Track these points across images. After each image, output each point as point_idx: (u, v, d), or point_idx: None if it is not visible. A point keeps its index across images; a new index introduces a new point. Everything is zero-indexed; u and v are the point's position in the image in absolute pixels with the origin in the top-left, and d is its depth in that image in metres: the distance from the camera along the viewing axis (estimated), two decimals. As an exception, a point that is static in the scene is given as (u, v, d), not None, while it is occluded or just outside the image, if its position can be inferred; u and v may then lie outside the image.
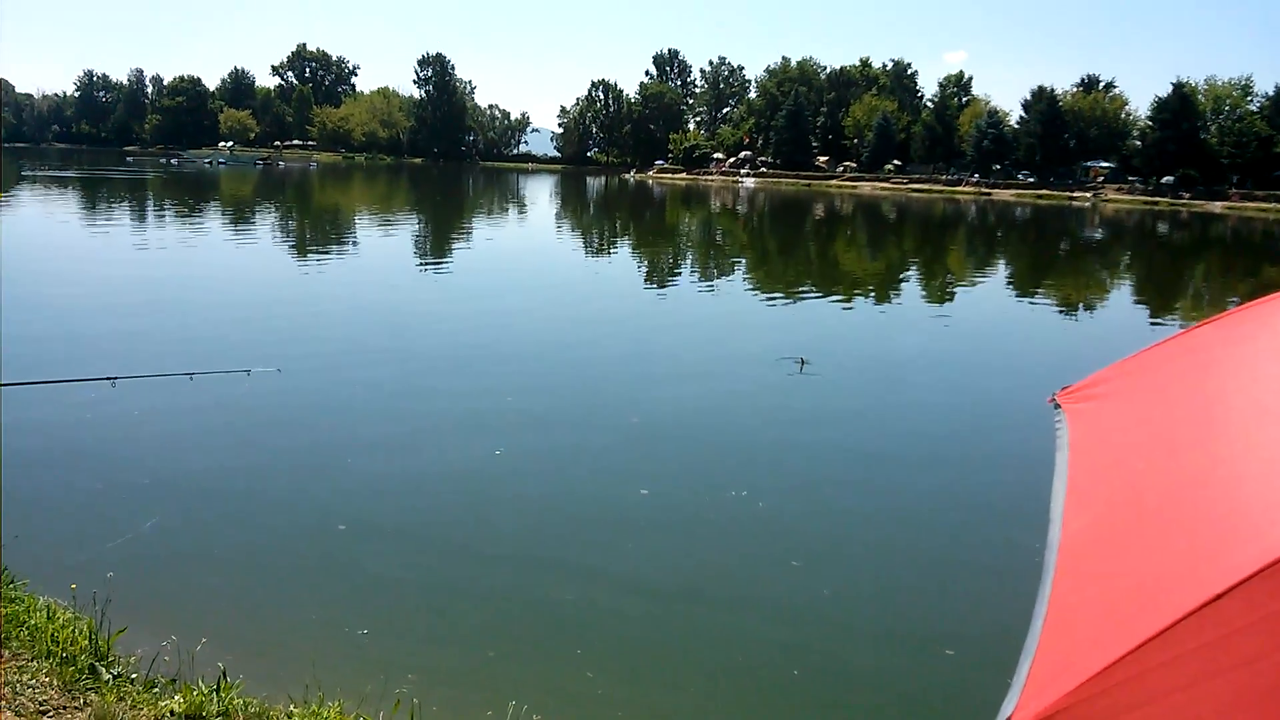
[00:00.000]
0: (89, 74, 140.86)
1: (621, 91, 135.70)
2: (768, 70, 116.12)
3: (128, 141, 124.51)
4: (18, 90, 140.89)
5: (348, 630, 5.58)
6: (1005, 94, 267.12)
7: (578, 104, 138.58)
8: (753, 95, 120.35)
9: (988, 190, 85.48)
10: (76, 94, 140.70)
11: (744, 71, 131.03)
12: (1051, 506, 1.93)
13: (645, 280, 24.46)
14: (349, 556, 6.65)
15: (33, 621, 4.72)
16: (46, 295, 16.13)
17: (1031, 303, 23.09)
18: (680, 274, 26.16)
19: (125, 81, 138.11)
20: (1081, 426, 2.16)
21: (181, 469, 8.17)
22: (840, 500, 8.29)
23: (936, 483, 8.78)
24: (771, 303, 20.70)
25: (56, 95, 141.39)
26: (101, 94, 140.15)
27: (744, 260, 31.28)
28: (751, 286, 24.04)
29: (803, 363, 12.43)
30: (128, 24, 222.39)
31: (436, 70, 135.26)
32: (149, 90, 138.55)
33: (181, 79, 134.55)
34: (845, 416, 11.01)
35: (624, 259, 29.89)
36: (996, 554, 7.10)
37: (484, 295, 19.29)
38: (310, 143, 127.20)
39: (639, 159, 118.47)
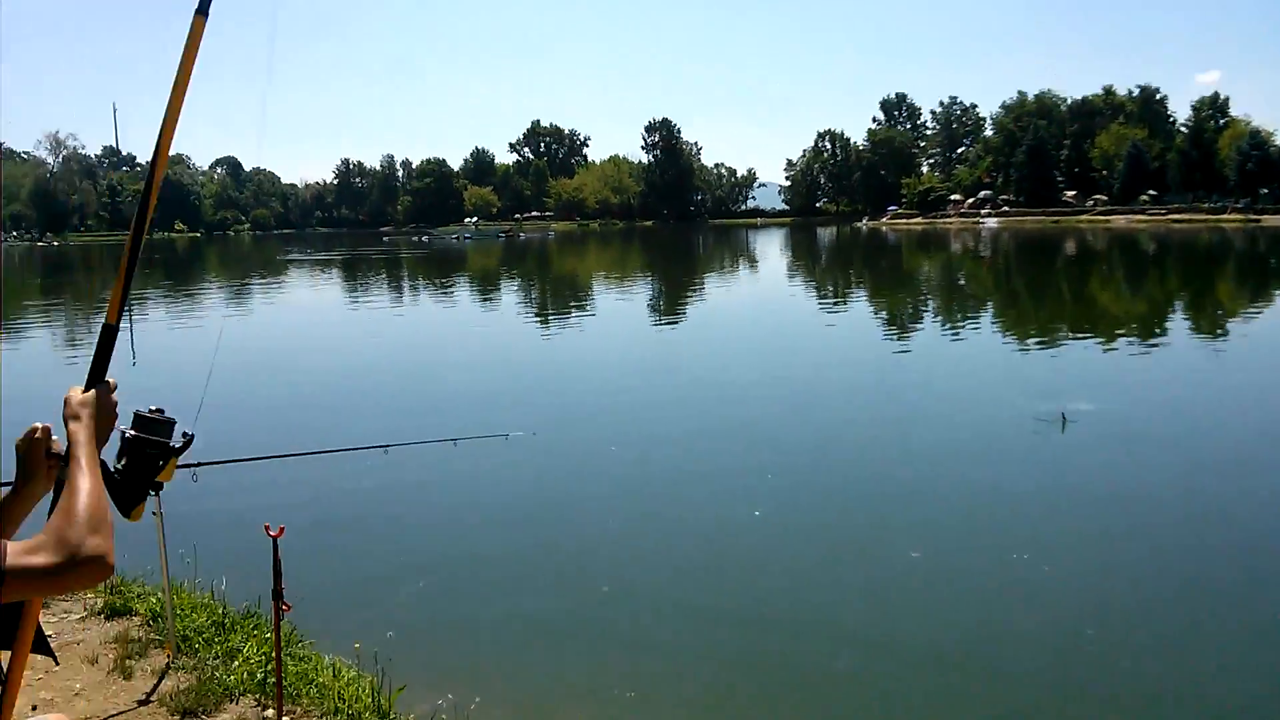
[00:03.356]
0: (346, 162, 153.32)
1: (849, 139, 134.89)
2: (1003, 106, 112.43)
3: (383, 222, 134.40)
4: (283, 181, 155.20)
5: (616, 693, 5.62)
6: (1269, 113, 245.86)
7: (804, 155, 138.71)
8: (989, 132, 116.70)
9: (1256, 217, 78.42)
10: (335, 182, 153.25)
11: (977, 109, 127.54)
12: None
13: (885, 330, 23.91)
14: (613, 618, 6.75)
15: (320, 679, 5.02)
16: (321, 368, 17.48)
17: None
18: (922, 322, 25.40)
19: (378, 167, 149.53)
20: None
21: (451, 531, 8.60)
22: (1133, 562, 7.68)
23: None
24: (1024, 349, 19.71)
25: (318, 184, 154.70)
26: (358, 180, 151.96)
27: (990, 304, 30.05)
28: (1001, 332, 23.03)
29: (1064, 420, 11.60)
30: (378, 116, 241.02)
31: (663, 134, 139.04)
32: (399, 174, 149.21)
33: (429, 161, 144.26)
34: (1121, 473, 10.18)
35: (861, 308, 29.35)
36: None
37: (722, 352, 19.38)
38: (547, 213, 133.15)
39: (870, 206, 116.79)
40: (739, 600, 7.06)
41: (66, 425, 1.92)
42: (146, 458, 2.10)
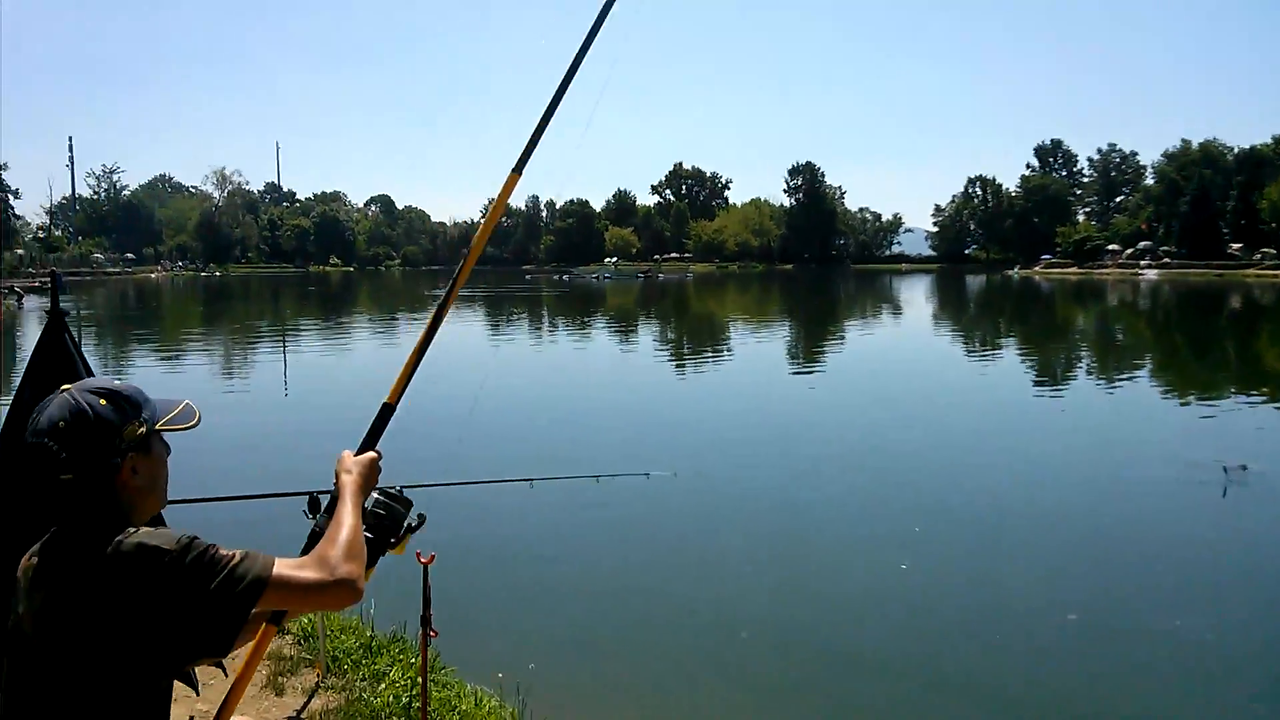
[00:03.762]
0: (491, 201, 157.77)
1: (1000, 185, 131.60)
2: (1165, 154, 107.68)
3: (525, 260, 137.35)
4: (432, 219, 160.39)
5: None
6: None
7: (953, 201, 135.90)
8: (1149, 181, 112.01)
9: None
10: (482, 219, 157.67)
11: (1137, 157, 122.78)
12: None
13: (1038, 381, 23.05)
14: (752, 664, 6.62)
15: (463, 707, 5.06)
16: (467, 400, 17.88)
17: None
18: (1075, 375, 24.40)
19: (523, 207, 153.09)
20: None
21: (594, 567, 8.62)
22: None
23: None
24: (1185, 405, 18.72)
25: (466, 222, 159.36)
26: (504, 220, 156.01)
27: (1150, 359, 28.69)
28: (1161, 387, 21.94)
29: (1228, 477, 10.93)
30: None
31: (806, 178, 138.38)
32: (543, 214, 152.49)
33: (572, 202, 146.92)
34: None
35: (1011, 359, 28.33)
36: None
37: (865, 398, 19.03)
38: (686, 254, 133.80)
39: (1022, 254, 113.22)
40: (881, 653, 6.83)
41: (339, 477, 2.25)
42: (384, 529, 2.35)
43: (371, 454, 2.32)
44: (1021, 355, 29.44)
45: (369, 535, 2.27)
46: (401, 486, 2.44)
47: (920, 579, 8.27)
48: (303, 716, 4.76)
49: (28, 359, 3.21)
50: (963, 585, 8.21)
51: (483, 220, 2.67)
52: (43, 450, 1.85)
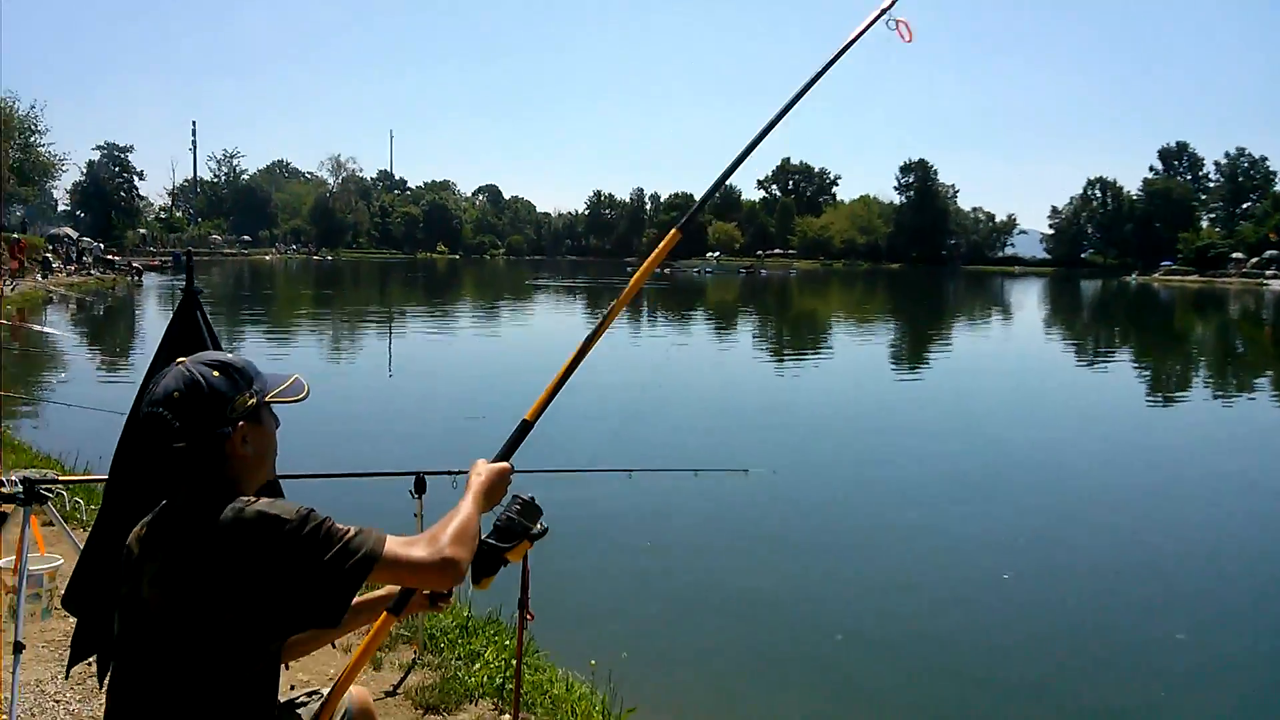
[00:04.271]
0: (597, 194, 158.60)
1: (1121, 188, 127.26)
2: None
3: (628, 253, 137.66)
4: (538, 209, 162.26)
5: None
6: None
7: (1071, 203, 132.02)
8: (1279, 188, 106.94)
9: None
10: (586, 212, 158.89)
11: (1267, 162, 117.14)
12: None
13: (1150, 393, 22.23)
14: (847, 667, 6.54)
15: (554, 691, 5.08)
16: (566, 389, 18.01)
17: None
18: (1192, 387, 23.45)
19: (628, 199, 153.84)
20: None
21: (690, 561, 8.57)
22: None
23: None
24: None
25: (570, 213, 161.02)
26: (607, 211, 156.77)
27: (1272, 374, 27.40)
28: (1282, 404, 20.96)
29: None
30: (631, 152, 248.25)
31: (918, 176, 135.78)
32: (647, 206, 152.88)
33: (676, 195, 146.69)
34: None
35: (1125, 369, 27.35)
36: None
37: (972, 403, 18.54)
38: (791, 251, 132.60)
39: (1141, 260, 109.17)
40: (976, 662, 6.68)
41: (469, 479, 2.32)
42: (511, 533, 2.37)
43: (504, 464, 2.38)
44: (1137, 366, 28.38)
45: (493, 542, 2.34)
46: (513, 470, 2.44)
47: (1024, 591, 8.04)
48: (399, 692, 4.84)
49: (161, 337, 3.29)
50: (1068, 600, 7.94)
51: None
52: (157, 419, 1.91)
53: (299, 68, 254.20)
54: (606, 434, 13.71)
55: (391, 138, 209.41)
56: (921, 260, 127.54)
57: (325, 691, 2.57)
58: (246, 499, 1.90)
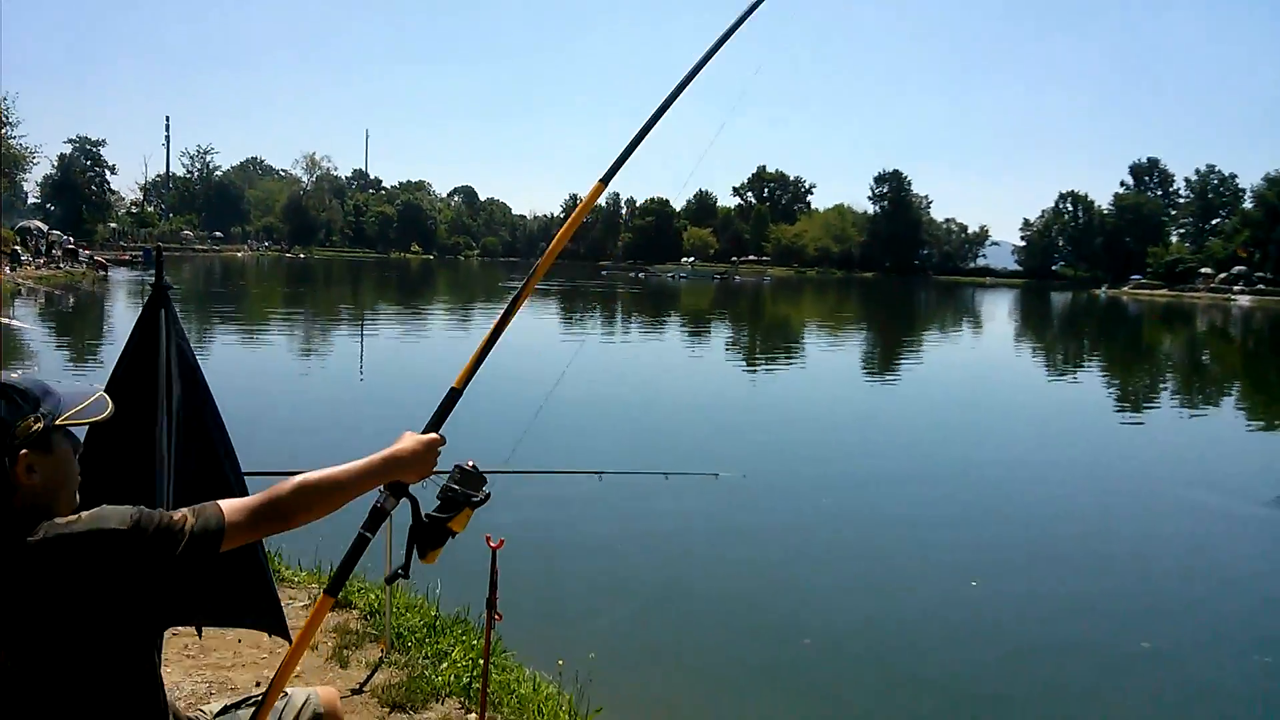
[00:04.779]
0: (573, 197, 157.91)
1: (1093, 203, 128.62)
2: (1266, 178, 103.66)
3: (602, 256, 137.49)
4: (513, 211, 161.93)
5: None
6: None
7: (1043, 216, 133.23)
8: (1248, 205, 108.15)
9: None
10: (562, 215, 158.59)
11: (1236, 179, 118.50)
12: None
13: (1117, 403, 22.48)
14: (813, 672, 6.56)
15: (521, 690, 5.09)
16: (536, 393, 17.99)
17: None
18: (1158, 399, 23.73)
19: (604, 204, 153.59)
20: None
21: (658, 563, 8.59)
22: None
23: None
24: (1271, 432, 18.10)
25: (546, 216, 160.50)
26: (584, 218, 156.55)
27: (1236, 387, 27.78)
28: (1246, 416, 21.26)
29: None
30: (608, 157, 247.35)
31: (893, 186, 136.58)
32: (623, 211, 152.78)
33: (652, 200, 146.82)
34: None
35: (1093, 380, 27.64)
36: None
37: (941, 412, 18.71)
38: (765, 257, 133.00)
39: (1111, 274, 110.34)
40: (943, 669, 6.72)
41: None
42: (454, 504, 2.31)
43: (433, 435, 2.27)
44: (1104, 377, 28.69)
45: (436, 514, 2.29)
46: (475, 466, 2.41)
47: (990, 598, 8.11)
48: (366, 689, 4.82)
49: (129, 332, 3.25)
50: (1035, 609, 8.01)
51: (564, 218, 2.68)
52: None
53: (275, 65, 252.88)
54: (577, 436, 13.74)
55: (367, 137, 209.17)
56: (894, 269, 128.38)
57: (289, 690, 2.51)
58: (67, 519, 1.76)
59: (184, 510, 1.83)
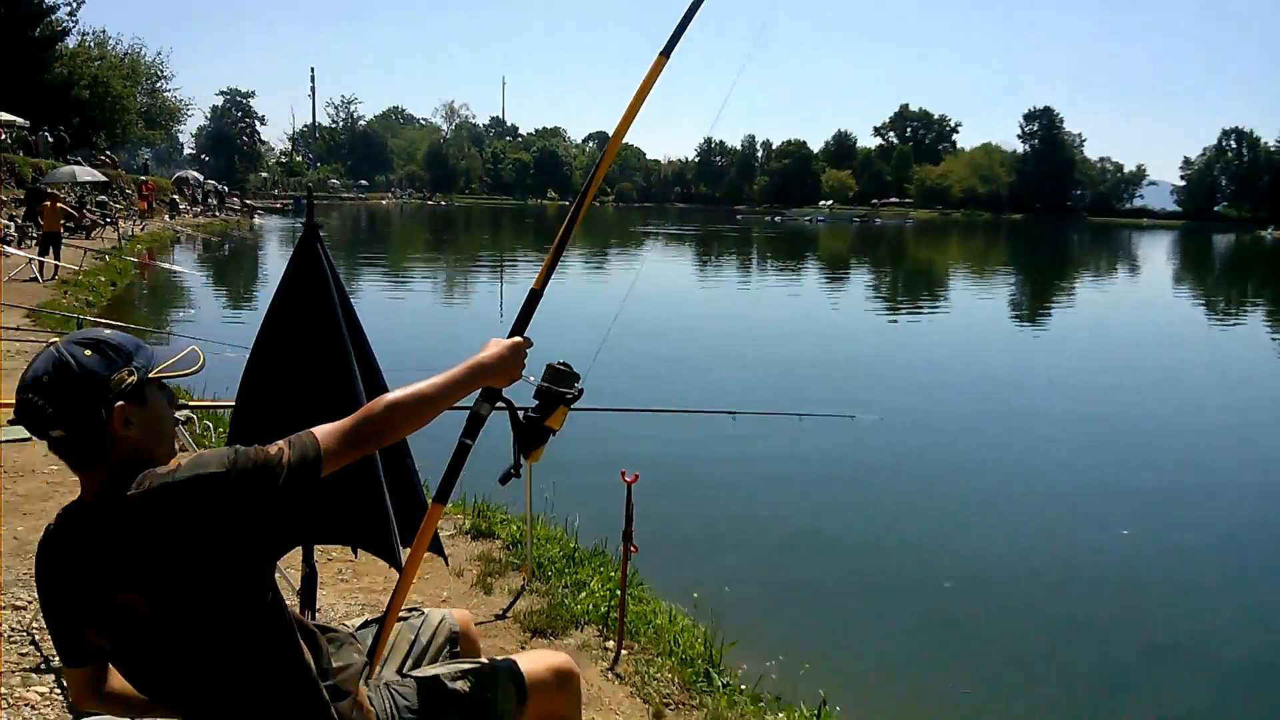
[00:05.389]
0: (708, 141, 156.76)
1: (1258, 140, 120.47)
2: None
3: (737, 201, 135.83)
4: (647, 157, 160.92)
5: (945, 691, 5.41)
6: None
7: (1204, 154, 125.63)
8: None
9: None
10: (697, 159, 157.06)
11: None
12: None
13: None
14: (953, 616, 6.48)
15: (657, 621, 5.20)
16: (672, 333, 18.09)
17: None
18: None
19: (739, 147, 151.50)
20: None
21: (793, 504, 8.57)
22: None
23: None
24: None
25: (680, 160, 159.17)
26: (718, 159, 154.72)
27: None
28: None
29: None
30: (743, 99, 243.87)
31: (1043, 124, 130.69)
32: (759, 154, 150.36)
33: (789, 143, 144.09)
34: None
35: (1257, 325, 26.07)
36: None
37: (1093, 359, 17.94)
38: (907, 200, 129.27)
39: (1277, 215, 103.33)
40: (1092, 616, 6.54)
41: None
42: (549, 402, 2.38)
43: (516, 339, 2.30)
44: (1271, 324, 27.01)
45: (532, 414, 2.38)
46: (617, 408, 2.45)
47: (1142, 547, 7.83)
48: (508, 615, 4.99)
49: (283, 272, 3.37)
50: (1194, 559, 7.71)
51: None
52: (28, 406, 1.79)
53: (414, 13, 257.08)
54: (712, 377, 13.78)
55: (504, 84, 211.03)
56: (1045, 211, 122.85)
57: (424, 610, 2.62)
58: (168, 468, 1.82)
59: (280, 442, 1.87)
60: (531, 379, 2.40)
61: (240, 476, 1.79)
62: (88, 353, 1.81)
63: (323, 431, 1.92)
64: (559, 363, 2.41)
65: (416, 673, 2.34)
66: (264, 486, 1.81)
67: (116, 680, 2.08)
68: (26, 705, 3.67)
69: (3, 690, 3.76)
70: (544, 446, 2.41)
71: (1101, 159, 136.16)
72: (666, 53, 2.59)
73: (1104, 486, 9.42)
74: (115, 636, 1.88)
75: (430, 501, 2.48)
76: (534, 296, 2.49)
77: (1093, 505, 8.83)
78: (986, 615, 6.50)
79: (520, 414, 2.40)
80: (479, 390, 2.29)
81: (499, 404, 2.38)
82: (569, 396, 2.38)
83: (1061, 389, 14.44)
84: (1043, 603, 6.75)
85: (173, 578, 1.78)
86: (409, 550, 2.49)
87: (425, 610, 2.61)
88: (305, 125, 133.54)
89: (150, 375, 1.88)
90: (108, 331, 1.91)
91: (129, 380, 1.83)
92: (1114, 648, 6.08)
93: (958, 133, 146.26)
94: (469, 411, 2.37)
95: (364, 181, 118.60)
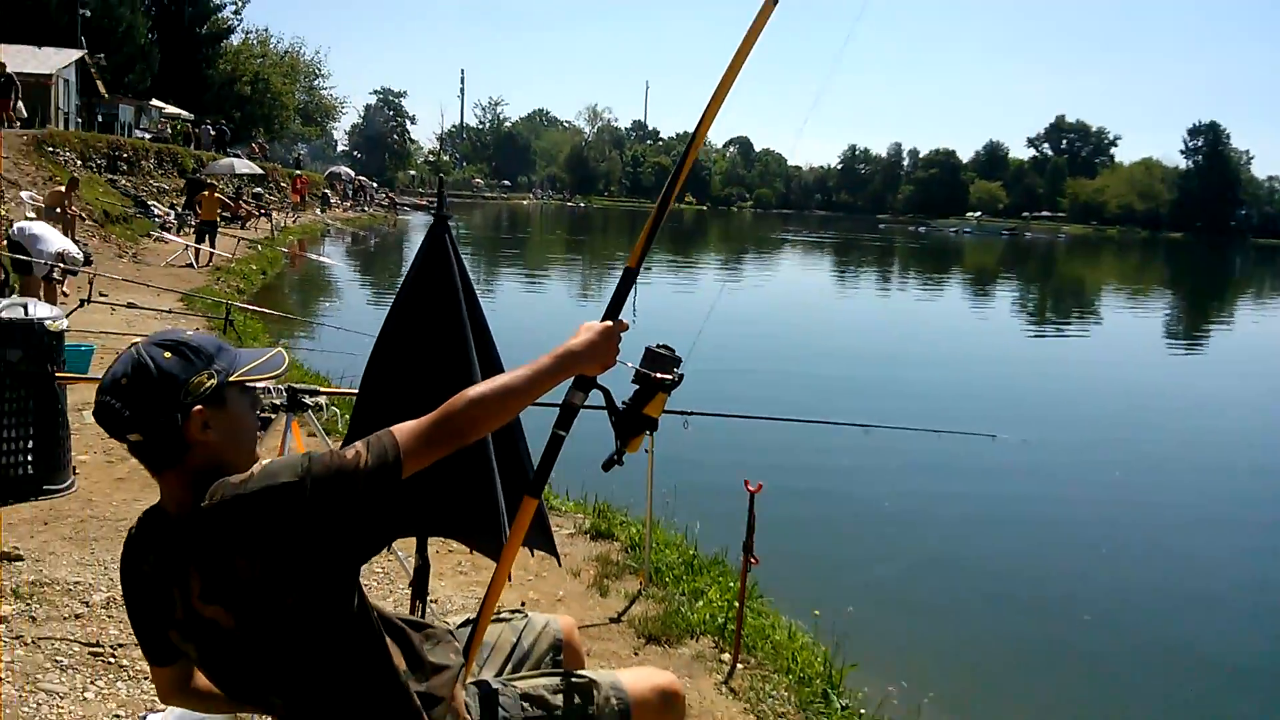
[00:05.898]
0: (852, 148, 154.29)
1: None
2: None
3: (880, 210, 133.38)
4: (789, 163, 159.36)
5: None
6: None
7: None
8: None
9: None
10: (839, 166, 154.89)
11: None
12: None
13: None
14: (1091, 650, 6.11)
15: (775, 636, 5.00)
16: (804, 342, 17.80)
17: None
18: None
19: (884, 154, 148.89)
20: None
21: (926, 524, 8.29)
22: None
23: None
24: None
25: (822, 167, 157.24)
26: (861, 166, 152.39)
27: None
28: None
29: None
30: (891, 106, 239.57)
31: (1208, 139, 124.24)
32: (905, 162, 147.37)
33: (936, 151, 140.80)
34: None
35: None
36: None
37: (1250, 390, 16.87)
38: (1059, 214, 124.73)
39: None
40: (1252, 665, 6.09)
41: None
42: (647, 389, 2.24)
43: (608, 323, 2.14)
44: None
45: (628, 402, 2.24)
46: (743, 415, 2.31)
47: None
48: (623, 619, 4.90)
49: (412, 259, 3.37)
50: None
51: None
52: (106, 409, 1.75)
53: (562, 18, 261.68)
54: (846, 389, 13.46)
55: (647, 88, 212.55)
56: (1207, 230, 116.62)
57: (529, 613, 2.53)
58: (241, 477, 1.75)
59: (358, 445, 1.78)
60: (629, 364, 2.25)
61: (315, 485, 1.71)
62: (167, 355, 1.77)
63: (402, 431, 1.83)
64: (658, 345, 2.27)
65: (519, 682, 2.24)
66: (341, 494, 1.72)
67: (202, 679, 2.05)
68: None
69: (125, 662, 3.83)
70: (642, 436, 2.26)
71: (1270, 178, 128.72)
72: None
73: (1254, 524, 8.83)
74: (200, 645, 1.84)
75: (524, 495, 2.33)
76: (629, 275, 2.31)
77: (1243, 545, 8.25)
78: (1129, 654, 6.13)
79: (617, 402, 2.26)
80: (571, 379, 2.14)
81: (594, 390, 2.22)
82: (668, 382, 2.24)
83: (1218, 423, 13.56)
84: (1196, 644, 6.33)
85: (252, 592, 1.72)
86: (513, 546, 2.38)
87: (529, 614, 2.52)
88: (453, 125, 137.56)
89: (231, 379, 1.83)
90: (189, 334, 1.86)
91: (208, 384, 1.79)
92: (1258, 688, 5.65)
93: (1116, 146, 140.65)
94: (561, 402, 2.23)
95: (506, 182, 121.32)
